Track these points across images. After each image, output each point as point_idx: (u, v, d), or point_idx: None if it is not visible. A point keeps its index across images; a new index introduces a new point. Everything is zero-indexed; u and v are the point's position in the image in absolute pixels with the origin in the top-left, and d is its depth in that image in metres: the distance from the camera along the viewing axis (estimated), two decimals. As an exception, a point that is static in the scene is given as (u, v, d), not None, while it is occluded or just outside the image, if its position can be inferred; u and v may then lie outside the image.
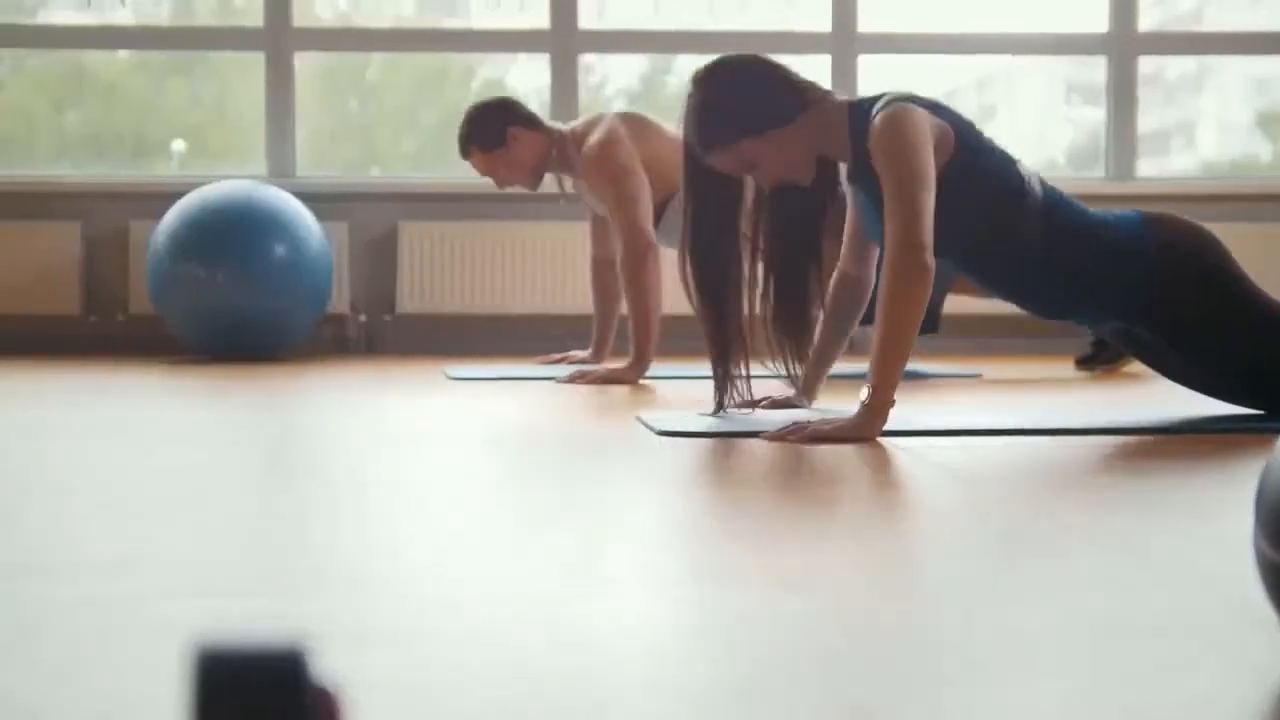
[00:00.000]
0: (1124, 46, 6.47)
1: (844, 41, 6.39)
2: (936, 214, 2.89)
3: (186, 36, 6.69)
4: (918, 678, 1.21)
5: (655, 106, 7.47)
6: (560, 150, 4.77)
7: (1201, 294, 3.04)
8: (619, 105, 6.48)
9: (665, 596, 1.53)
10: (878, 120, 2.93)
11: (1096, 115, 7.16)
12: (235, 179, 5.74)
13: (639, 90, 7.43)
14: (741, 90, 3.04)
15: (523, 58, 6.56)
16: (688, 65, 7.30)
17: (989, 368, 5.11)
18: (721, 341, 3.16)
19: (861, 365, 3.03)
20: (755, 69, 3.08)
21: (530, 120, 4.78)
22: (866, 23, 6.41)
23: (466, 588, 1.56)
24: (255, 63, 6.35)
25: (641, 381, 4.45)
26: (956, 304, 5.00)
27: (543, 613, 1.43)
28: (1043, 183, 3.08)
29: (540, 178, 4.85)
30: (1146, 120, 6.71)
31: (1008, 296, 3.20)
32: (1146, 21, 6.61)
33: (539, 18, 6.34)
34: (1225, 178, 7.18)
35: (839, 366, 3.39)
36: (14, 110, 7.02)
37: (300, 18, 6.36)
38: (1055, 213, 3.04)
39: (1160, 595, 1.51)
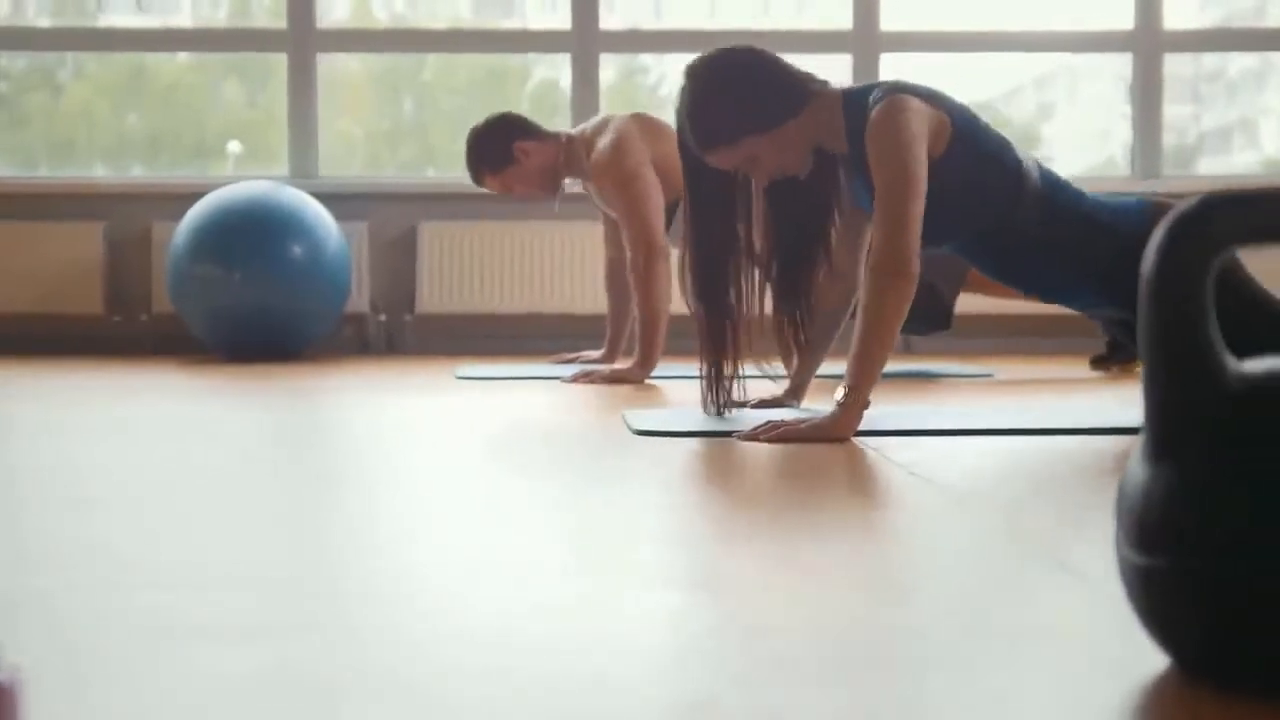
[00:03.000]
0: (1149, 44, 6.42)
1: (866, 40, 6.37)
2: (935, 201, 2.88)
3: (210, 39, 6.73)
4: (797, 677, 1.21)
5: None
6: (569, 155, 4.76)
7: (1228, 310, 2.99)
8: (669, 108, 6.49)
9: (592, 594, 1.54)
10: (874, 113, 2.92)
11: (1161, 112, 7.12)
12: (256, 179, 5.79)
13: None
14: (740, 86, 3.01)
15: (557, 59, 6.57)
16: None
17: (1003, 368, 5.08)
18: (716, 341, 3.16)
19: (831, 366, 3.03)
20: (754, 63, 3.04)
21: (535, 131, 4.76)
22: (889, 21, 6.39)
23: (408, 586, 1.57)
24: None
25: (648, 381, 4.45)
26: (972, 303, 4.98)
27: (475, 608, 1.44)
28: (1040, 168, 3.08)
29: (557, 187, 4.83)
30: (1209, 118, 6.65)
31: (1004, 279, 3.19)
32: (1206, 18, 6.55)
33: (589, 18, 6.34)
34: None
35: (831, 366, 3.38)
36: (75, 112, 7.12)
37: (327, 19, 6.40)
38: (1052, 198, 3.03)
39: (1051, 597, 1.50)
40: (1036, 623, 1.39)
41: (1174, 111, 8.99)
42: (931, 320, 4.62)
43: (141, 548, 1.78)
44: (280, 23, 6.33)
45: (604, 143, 4.61)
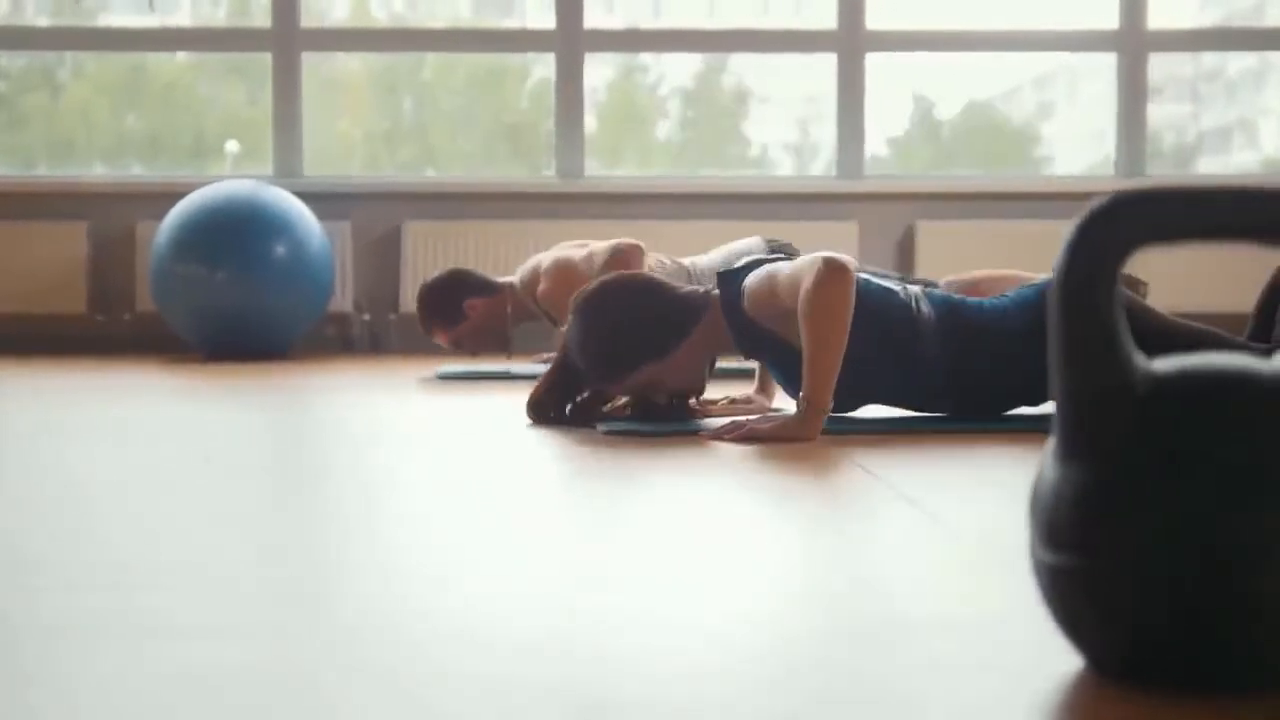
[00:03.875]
0: (1134, 44, 6.41)
1: (851, 40, 6.37)
2: (845, 367, 2.87)
3: (195, 38, 6.73)
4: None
5: (710, 105, 7.48)
6: (515, 303, 4.84)
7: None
8: (674, 104, 6.50)
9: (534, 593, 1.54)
10: (747, 286, 2.95)
11: (1161, 112, 7.10)
12: (239, 179, 5.79)
13: (693, 89, 7.44)
14: (631, 318, 3.01)
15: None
16: (741, 63, 7.31)
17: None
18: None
19: None
20: (638, 293, 3.05)
21: (482, 287, 4.83)
22: (874, 20, 6.38)
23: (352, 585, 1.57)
24: (311, 63, 6.41)
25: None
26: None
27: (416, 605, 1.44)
28: (927, 294, 3.07)
29: (507, 336, 4.90)
30: (1208, 117, 6.64)
31: (932, 408, 3.13)
32: (1205, 18, 6.54)
33: (597, 18, 6.33)
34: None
35: None
36: (74, 111, 7.13)
37: (325, 18, 6.39)
38: (945, 319, 3.02)
39: (975, 594, 1.50)
40: (958, 620, 1.38)
41: (1174, 111, 8.98)
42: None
43: (131, 548, 1.78)
44: (265, 22, 6.33)
45: (546, 282, 4.62)
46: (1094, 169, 6.97)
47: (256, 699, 1.14)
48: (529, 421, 3.17)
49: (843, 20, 6.36)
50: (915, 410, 3.12)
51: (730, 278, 3.02)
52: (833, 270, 2.77)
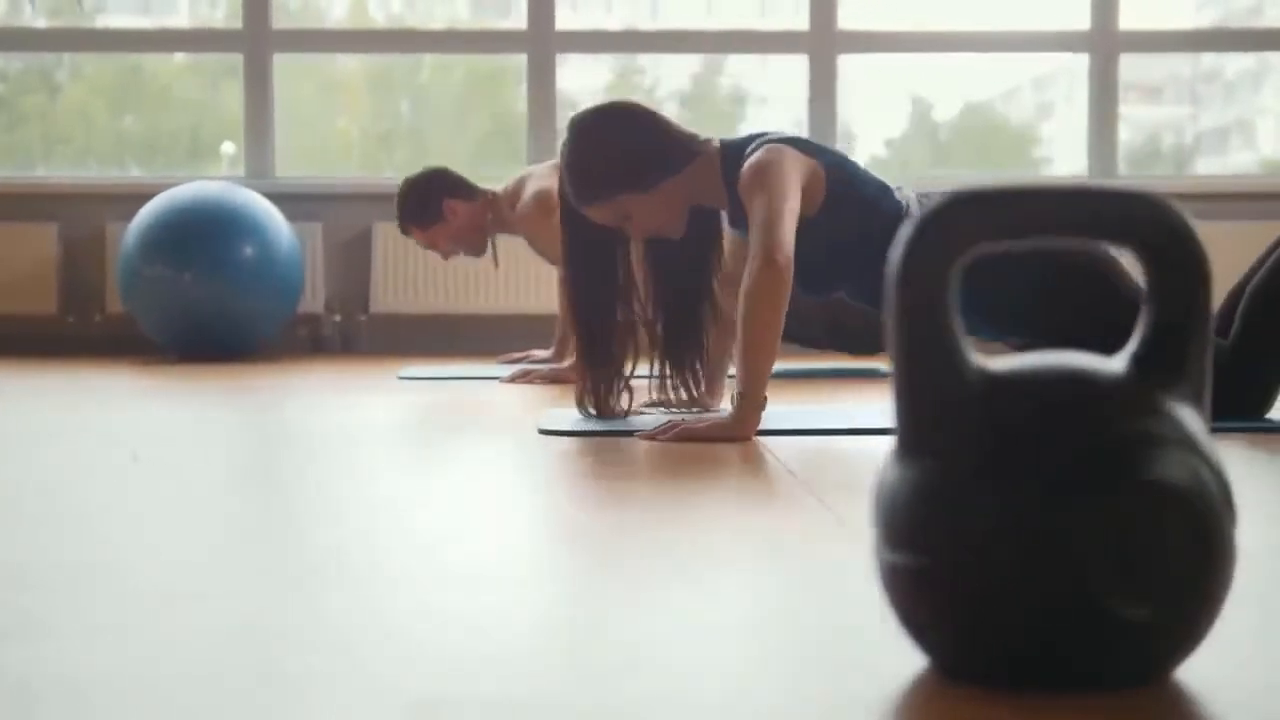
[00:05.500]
0: (1105, 44, 6.42)
1: (823, 40, 6.37)
2: (819, 249, 2.90)
3: (166, 39, 6.73)
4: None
5: (708, 107, 7.48)
6: (495, 213, 4.84)
7: (1083, 304, 3.00)
8: (671, 108, 6.50)
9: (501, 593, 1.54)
10: (747, 163, 2.94)
11: (1159, 114, 7.10)
12: (208, 180, 5.79)
13: (691, 91, 7.44)
14: (620, 143, 3.01)
15: (573, 58, 6.55)
16: (738, 65, 7.30)
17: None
18: (597, 362, 3.12)
19: (792, 363, 3.01)
20: (634, 122, 3.05)
21: (464, 190, 4.83)
22: (846, 20, 6.38)
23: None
24: (309, 63, 6.41)
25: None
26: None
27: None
28: (922, 204, 3.07)
29: (483, 245, 4.91)
30: (1206, 118, 6.65)
31: None
32: (1202, 19, 6.54)
33: (594, 18, 6.34)
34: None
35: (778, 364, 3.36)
36: (72, 112, 7.13)
37: (282, 19, 6.39)
38: None
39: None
40: (811, 625, 1.39)
41: (1172, 112, 8.99)
42: (865, 341, 4.62)
43: (119, 556, 1.78)
44: (236, 23, 6.34)
45: (527, 195, 4.66)
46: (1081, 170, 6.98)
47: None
48: (581, 416, 3.12)
49: (815, 21, 6.36)
50: (879, 310, 3.15)
51: (736, 146, 3.00)
52: (773, 269, 2.78)
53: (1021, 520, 1.09)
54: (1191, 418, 1.13)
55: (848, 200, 2.98)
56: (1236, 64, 8.52)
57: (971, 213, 1.10)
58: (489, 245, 4.93)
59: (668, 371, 3.17)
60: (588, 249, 3.08)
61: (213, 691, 1.15)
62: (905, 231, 1.13)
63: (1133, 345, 1.16)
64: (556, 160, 4.71)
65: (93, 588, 1.55)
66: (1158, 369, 1.14)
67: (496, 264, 5.06)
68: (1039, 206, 1.11)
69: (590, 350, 3.09)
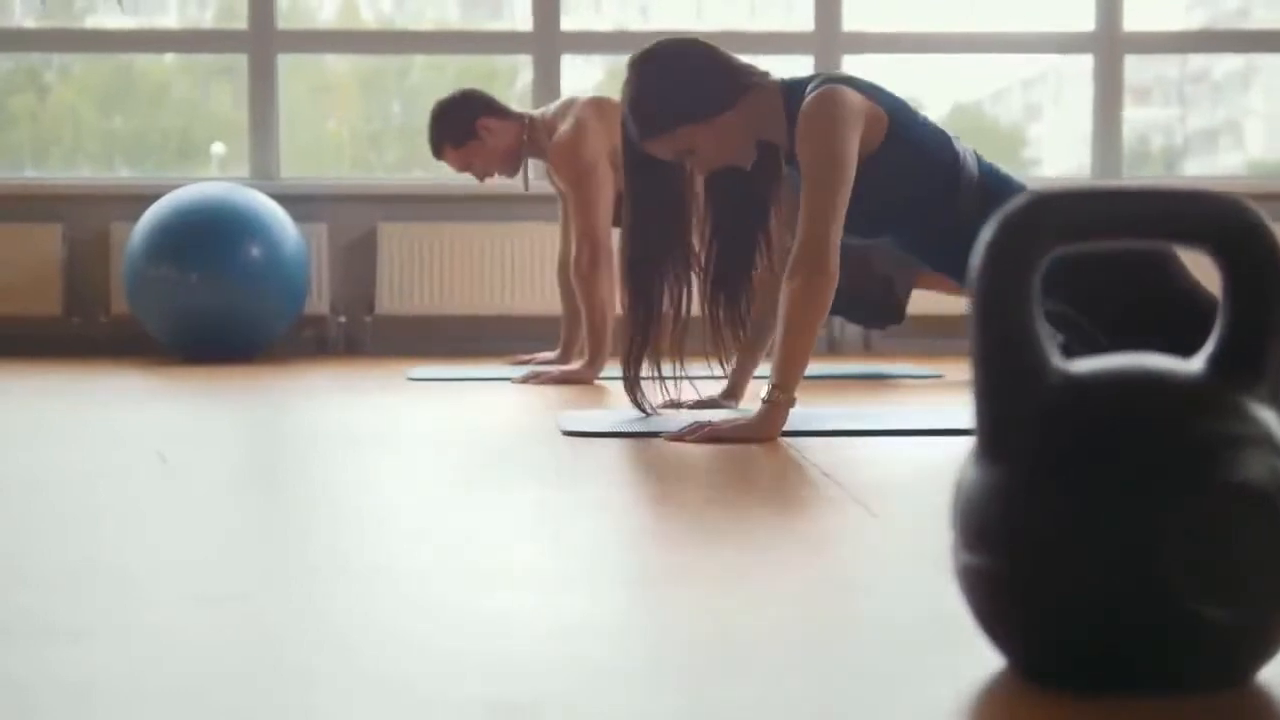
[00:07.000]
0: (1109, 46, 6.42)
1: (827, 41, 6.36)
2: (872, 192, 2.89)
3: (171, 40, 6.71)
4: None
5: None
6: (531, 136, 4.76)
7: (1122, 274, 2.97)
8: None
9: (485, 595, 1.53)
10: (807, 102, 2.92)
11: (1148, 115, 7.08)
12: (214, 181, 5.78)
13: None
14: (679, 75, 3.01)
15: (566, 57, 6.54)
16: None
17: (956, 369, 5.07)
18: (641, 339, 3.14)
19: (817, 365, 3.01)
20: (693, 53, 3.06)
21: (498, 109, 4.76)
22: (851, 21, 6.38)
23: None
24: (300, 64, 6.39)
25: (597, 381, 4.45)
26: (927, 303, 4.97)
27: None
28: (980, 160, 3.09)
29: (518, 164, 4.82)
30: (1194, 119, 6.64)
31: (944, 270, 3.17)
32: (1193, 20, 6.54)
33: (585, 20, 6.33)
34: (1272, 176, 7.12)
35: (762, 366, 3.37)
36: (61, 113, 7.11)
37: (288, 20, 6.38)
38: (992, 188, 3.04)
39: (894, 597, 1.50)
40: (875, 628, 1.38)
41: (1160, 113, 8.99)
42: (883, 314, 4.59)
43: (132, 557, 1.78)
44: (225, 23, 6.32)
45: (565, 127, 4.61)
46: (1081, 171, 6.98)
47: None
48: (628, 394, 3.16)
49: (820, 22, 6.36)
50: (923, 262, 3.17)
51: (797, 83, 3.00)
52: (824, 278, 2.79)
53: (1101, 522, 1.08)
54: (1271, 418, 1.13)
55: (906, 145, 2.97)
56: (1224, 65, 8.52)
57: (1053, 214, 1.10)
58: (522, 168, 4.85)
59: (719, 306, 3.16)
60: (650, 189, 3.07)
61: (214, 691, 1.15)
62: (986, 233, 1.12)
63: (1210, 346, 1.16)
64: (601, 96, 4.73)
65: (94, 588, 1.54)
66: (1236, 370, 1.14)
67: (526, 186, 4.99)
68: (1119, 208, 1.11)
69: (635, 305, 3.10)
